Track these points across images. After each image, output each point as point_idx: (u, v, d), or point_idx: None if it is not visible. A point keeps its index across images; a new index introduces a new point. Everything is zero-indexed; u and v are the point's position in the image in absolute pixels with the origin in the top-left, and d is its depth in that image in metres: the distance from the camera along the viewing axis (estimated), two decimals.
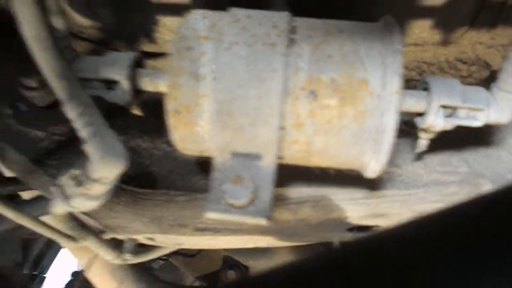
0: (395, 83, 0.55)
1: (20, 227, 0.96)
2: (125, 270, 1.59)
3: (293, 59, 0.56)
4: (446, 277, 0.22)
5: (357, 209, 0.79)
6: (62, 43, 0.61)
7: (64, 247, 1.62)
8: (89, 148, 0.55)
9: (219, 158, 0.60)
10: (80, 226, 0.91)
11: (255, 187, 0.58)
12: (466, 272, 0.22)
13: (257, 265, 2.09)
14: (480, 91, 0.63)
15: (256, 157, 0.59)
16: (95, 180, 0.59)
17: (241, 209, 0.58)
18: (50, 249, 2.07)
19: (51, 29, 0.53)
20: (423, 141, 0.67)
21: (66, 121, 0.57)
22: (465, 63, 0.84)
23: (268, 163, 0.59)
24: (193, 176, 0.77)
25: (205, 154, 0.64)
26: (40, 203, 0.93)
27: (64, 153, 0.77)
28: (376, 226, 0.85)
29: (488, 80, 0.77)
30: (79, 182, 0.61)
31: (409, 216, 0.79)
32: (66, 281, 2.17)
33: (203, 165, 0.77)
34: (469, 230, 0.24)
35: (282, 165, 0.60)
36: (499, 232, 0.23)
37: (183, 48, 0.57)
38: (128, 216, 0.82)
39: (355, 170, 0.64)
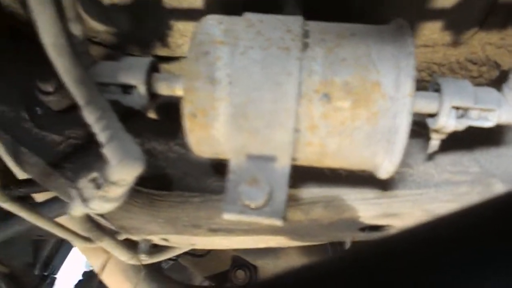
0: (408, 85, 0.56)
1: (31, 228, 0.97)
2: (138, 271, 1.60)
3: (307, 63, 0.57)
4: (460, 279, 0.22)
5: (369, 209, 0.79)
6: (80, 49, 0.62)
7: (76, 248, 1.64)
8: (107, 152, 0.56)
9: (235, 160, 0.61)
10: (96, 227, 0.92)
11: (271, 189, 0.59)
12: (480, 273, 0.22)
13: (266, 265, 2.10)
14: (491, 91, 0.63)
15: (271, 159, 0.60)
16: (113, 183, 0.60)
17: (257, 210, 0.59)
18: (60, 250, 2.09)
19: (69, 36, 0.55)
20: (435, 142, 0.67)
21: (81, 125, 0.58)
22: (475, 63, 0.85)
23: (283, 165, 0.60)
24: (207, 178, 0.78)
25: (221, 156, 0.65)
26: (55, 205, 0.95)
27: (80, 156, 0.78)
28: (388, 225, 0.86)
29: (498, 80, 0.77)
30: (97, 185, 0.62)
31: (420, 215, 0.79)
32: (77, 282, 2.19)
33: (217, 167, 0.78)
34: (483, 232, 0.25)
35: (294, 166, 0.61)
36: None
37: (199, 53, 0.58)
38: (143, 217, 0.83)
39: (368, 170, 0.65)
